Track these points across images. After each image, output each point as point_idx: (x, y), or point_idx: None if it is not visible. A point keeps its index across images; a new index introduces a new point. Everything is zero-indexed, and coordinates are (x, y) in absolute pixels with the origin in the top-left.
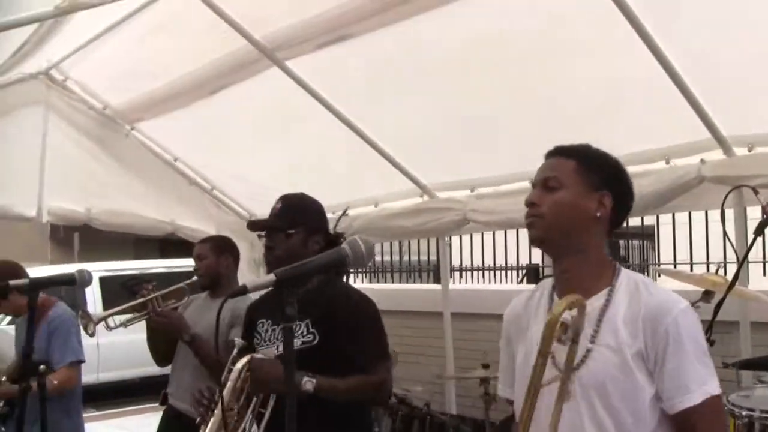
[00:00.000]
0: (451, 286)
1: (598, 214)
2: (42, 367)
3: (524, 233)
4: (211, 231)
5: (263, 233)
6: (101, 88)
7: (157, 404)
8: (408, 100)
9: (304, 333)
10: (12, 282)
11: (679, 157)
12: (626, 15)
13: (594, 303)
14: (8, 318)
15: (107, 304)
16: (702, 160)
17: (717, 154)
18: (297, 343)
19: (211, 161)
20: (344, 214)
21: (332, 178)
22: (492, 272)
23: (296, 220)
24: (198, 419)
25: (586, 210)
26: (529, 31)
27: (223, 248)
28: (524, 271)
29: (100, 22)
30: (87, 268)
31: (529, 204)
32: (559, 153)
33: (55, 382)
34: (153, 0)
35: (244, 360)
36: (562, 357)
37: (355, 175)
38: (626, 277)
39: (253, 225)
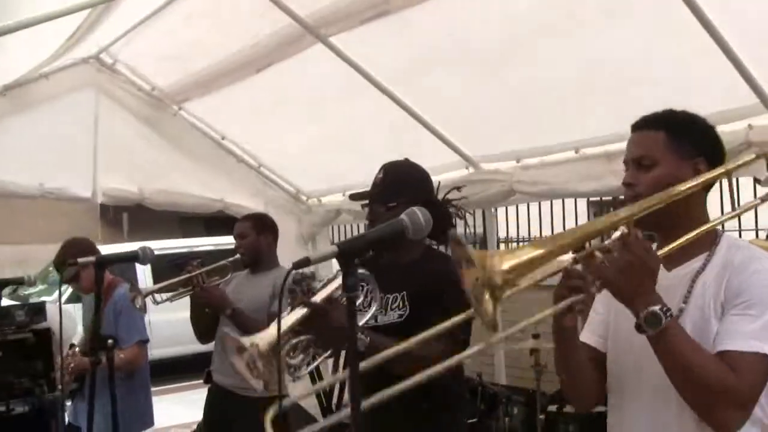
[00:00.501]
0: None
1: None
2: (110, 341)
3: (570, 203)
4: (260, 207)
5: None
6: (149, 71)
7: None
8: (452, 73)
9: (400, 306)
10: (80, 259)
11: (725, 122)
12: None
13: (692, 265)
14: (66, 296)
15: (157, 282)
16: (749, 125)
17: (765, 119)
18: (393, 316)
19: (258, 138)
20: (457, 189)
21: (378, 152)
22: None
23: (397, 192)
24: (288, 308)
25: (684, 182)
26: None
27: (263, 226)
28: None
29: (147, 6)
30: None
31: (627, 185)
32: (646, 125)
33: (122, 355)
34: None
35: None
36: None
37: (401, 149)
38: (727, 242)
39: (355, 196)
